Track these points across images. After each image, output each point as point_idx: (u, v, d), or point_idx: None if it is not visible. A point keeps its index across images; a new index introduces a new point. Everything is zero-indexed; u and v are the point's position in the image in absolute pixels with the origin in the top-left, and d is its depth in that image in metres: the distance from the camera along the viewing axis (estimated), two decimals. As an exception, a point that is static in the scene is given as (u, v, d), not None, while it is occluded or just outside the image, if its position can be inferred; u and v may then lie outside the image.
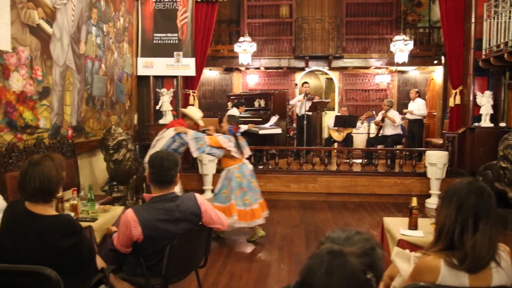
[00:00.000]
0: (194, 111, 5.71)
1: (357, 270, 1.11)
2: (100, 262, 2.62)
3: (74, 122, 5.42)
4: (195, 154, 5.01)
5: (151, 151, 5.37)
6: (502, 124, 7.58)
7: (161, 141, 5.31)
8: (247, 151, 5.16)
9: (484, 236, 1.86)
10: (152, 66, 7.87)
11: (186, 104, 8.22)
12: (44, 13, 4.60)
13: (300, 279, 1.17)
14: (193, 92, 8.25)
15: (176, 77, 8.04)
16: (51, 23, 4.76)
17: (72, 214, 3.13)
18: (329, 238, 1.23)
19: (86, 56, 5.68)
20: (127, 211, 2.64)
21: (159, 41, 7.89)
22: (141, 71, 7.84)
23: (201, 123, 5.68)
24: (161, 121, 7.86)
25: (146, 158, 5.25)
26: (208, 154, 5.04)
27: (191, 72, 7.95)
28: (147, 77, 7.93)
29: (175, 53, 7.89)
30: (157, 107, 7.94)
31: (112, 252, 2.92)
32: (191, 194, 2.86)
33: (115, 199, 5.51)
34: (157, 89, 7.99)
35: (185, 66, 7.92)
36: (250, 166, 5.25)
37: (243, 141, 5.11)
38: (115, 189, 5.69)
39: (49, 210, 2.32)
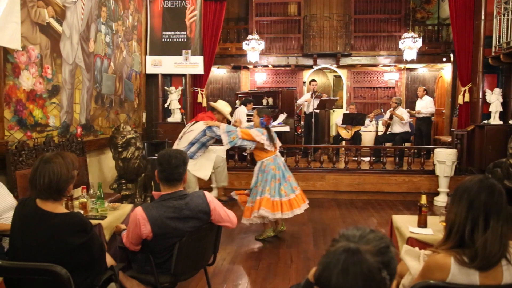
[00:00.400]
0: (223, 105, 5.71)
1: (373, 268, 1.11)
2: (109, 260, 2.63)
3: (83, 120, 5.45)
4: (226, 147, 5.08)
5: (177, 143, 5.43)
6: (512, 122, 7.51)
7: (191, 134, 5.32)
8: (278, 143, 5.14)
9: (495, 233, 1.85)
10: (161, 64, 7.89)
11: (194, 102, 8.24)
12: (54, 11, 4.62)
13: (316, 277, 1.16)
14: (201, 90, 8.26)
15: (184, 75, 8.05)
16: (61, 21, 4.78)
17: (82, 212, 3.15)
18: (343, 236, 1.22)
19: (95, 54, 5.69)
20: (136, 209, 2.65)
21: (168, 39, 7.90)
22: (150, 69, 7.85)
23: (229, 117, 5.69)
24: (169, 119, 7.87)
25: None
26: (239, 146, 5.04)
27: (200, 70, 7.95)
28: (156, 75, 7.95)
29: (183, 51, 7.89)
30: (166, 105, 7.96)
31: (121, 250, 2.93)
32: (201, 192, 2.87)
33: (123, 197, 5.52)
34: (166, 87, 8.01)
35: (193, 64, 7.92)
36: (282, 159, 5.23)
37: (273, 133, 5.09)
38: (124, 187, 5.71)
39: (60, 208, 2.34)
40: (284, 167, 5.08)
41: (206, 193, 2.86)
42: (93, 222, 3.09)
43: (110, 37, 6.18)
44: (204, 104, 8.38)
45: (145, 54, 7.79)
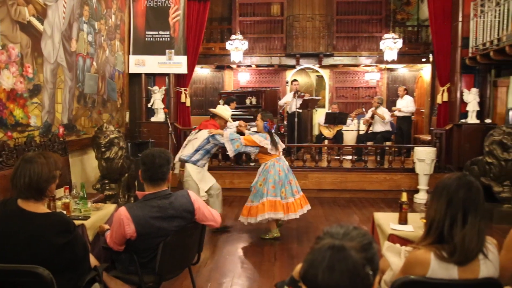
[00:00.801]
0: (224, 110, 5.76)
1: (358, 264, 1.12)
2: (93, 260, 2.61)
3: (65, 120, 5.38)
4: (231, 154, 5.12)
5: (182, 150, 5.44)
6: (488, 121, 7.65)
7: (196, 141, 5.32)
8: (282, 145, 5.23)
9: (473, 229, 1.89)
10: (144, 64, 7.83)
11: (178, 101, 8.20)
12: (35, 9, 4.55)
13: (302, 274, 1.17)
14: (185, 90, 8.23)
15: (168, 75, 8.01)
16: (42, 20, 4.71)
17: (64, 212, 3.11)
18: (327, 233, 1.23)
19: (77, 53, 5.62)
20: (120, 209, 2.63)
21: (151, 39, 7.84)
22: (133, 69, 7.79)
23: (230, 120, 5.71)
24: (153, 119, 7.82)
25: (177, 159, 5.31)
26: (243, 152, 5.12)
27: (183, 70, 7.92)
28: (139, 75, 7.89)
29: (167, 50, 7.84)
30: (149, 105, 7.90)
31: (105, 250, 2.90)
32: (185, 191, 2.85)
33: (107, 197, 5.47)
34: (149, 87, 7.95)
35: (177, 64, 7.88)
36: (286, 162, 5.28)
37: (276, 137, 5.16)
38: (107, 187, 5.66)
39: (41, 208, 2.31)
40: (287, 170, 5.13)
41: (190, 192, 2.85)
42: (76, 222, 3.07)
43: (93, 36, 6.11)
44: (188, 104, 8.35)
45: (128, 54, 7.73)
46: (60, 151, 5.02)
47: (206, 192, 5.43)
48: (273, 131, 5.10)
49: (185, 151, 5.35)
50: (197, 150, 5.26)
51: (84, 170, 6.03)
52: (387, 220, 3.23)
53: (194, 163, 5.24)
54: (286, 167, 5.15)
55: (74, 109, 5.60)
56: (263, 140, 4.95)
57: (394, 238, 2.89)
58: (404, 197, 3.19)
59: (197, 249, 3.05)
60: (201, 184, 5.31)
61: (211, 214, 2.90)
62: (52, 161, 2.35)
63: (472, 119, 7.62)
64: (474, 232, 1.88)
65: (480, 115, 7.72)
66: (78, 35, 5.61)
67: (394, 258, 2.25)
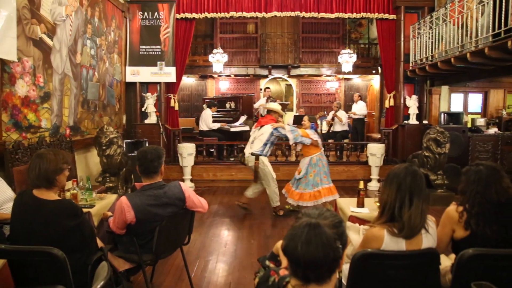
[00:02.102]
0: (277, 106, 5.81)
1: (330, 239, 1.16)
2: (98, 242, 2.59)
3: (71, 122, 5.28)
4: (291, 142, 5.25)
5: (250, 147, 5.47)
6: (425, 122, 7.89)
7: (262, 137, 5.35)
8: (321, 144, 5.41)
9: (417, 209, 1.96)
10: (139, 74, 7.73)
11: (168, 106, 8.13)
12: (45, 28, 4.46)
13: (283, 247, 1.20)
14: (174, 96, 8.16)
15: (159, 83, 7.92)
16: (51, 36, 4.61)
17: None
18: (305, 214, 1.26)
19: (82, 65, 5.53)
20: (121, 198, 2.63)
21: (145, 52, 7.75)
22: (129, 78, 7.68)
23: (283, 113, 5.77)
24: (146, 121, 7.72)
25: (247, 154, 5.41)
26: (300, 142, 5.18)
27: (172, 79, 7.85)
28: (134, 83, 7.78)
29: (158, 62, 7.76)
30: (143, 109, 7.80)
31: (108, 233, 2.90)
32: (177, 182, 2.86)
33: (107, 189, 5.40)
34: (143, 94, 7.85)
35: (167, 73, 7.81)
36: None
37: (320, 135, 5.43)
38: (108, 180, 5.57)
39: (53, 196, 2.30)
40: (327, 164, 5.31)
41: (181, 183, 2.86)
42: (83, 210, 3.04)
43: (95, 50, 6.01)
44: (176, 108, 8.28)
45: (125, 65, 7.61)
46: (67, 149, 4.94)
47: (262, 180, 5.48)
48: (318, 130, 5.40)
49: (255, 147, 5.38)
50: (265, 144, 5.32)
51: (87, 165, 5.94)
52: (347, 205, 3.30)
53: (265, 155, 5.36)
54: (327, 162, 5.35)
55: (79, 113, 5.50)
56: (314, 133, 5.18)
57: (353, 219, 2.95)
58: (361, 185, 3.28)
59: (187, 231, 3.07)
60: (272, 172, 5.45)
61: (199, 201, 2.92)
62: (61, 156, 2.36)
63: (413, 120, 7.83)
64: (418, 212, 1.95)
65: (419, 117, 7.94)
66: (82, 49, 5.51)
67: (354, 236, 2.31)
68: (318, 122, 10.00)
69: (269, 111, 5.64)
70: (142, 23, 7.71)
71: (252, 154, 5.36)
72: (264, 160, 5.34)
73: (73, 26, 5.20)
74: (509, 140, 7.28)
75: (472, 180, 2.16)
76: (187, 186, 2.89)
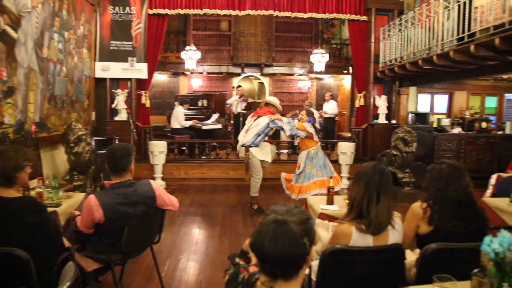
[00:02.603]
0: (275, 99, 5.86)
1: (297, 235, 1.17)
2: (65, 242, 2.53)
3: (37, 118, 5.09)
4: (287, 134, 5.37)
5: (244, 135, 5.48)
6: (394, 121, 8.10)
7: (257, 127, 5.37)
8: (317, 138, 5.46)
9: (384, 206, 2.01)
10: (109, 70, 7.55)
11: (138, 103, 7.98)
12: (9, 19, 4.27)
13: (251, 244, 1.21)
14: (145, 93, 8.02)
15: (130, 79, 7.76)
16: (16, 28, 4.43)
17: (39, 200, 2.98)
18: (273, 211, 1.27)
19: (48, 59, 5.34)
20: (89, 196, 2.57)
21: (115, 48, 7.57)
22: (99, 74, 7.49)
23: (280, 108, 5.81)
24: (116, 118, 7.55)
25: (240, 144, 5.48)
26: (294, 134, 5.26)
27: (144, 75, 7.72)
28: (104, 79, 7.59)
29: (129, 58, 7.61)
30: (113, 106, 7.63)
31: (75, 233, 2.82)
32: (147, 180, 2.82)
33: (75, 187, 5.26)
34: (113, 90, 7.68)
35: (138, 70, 7.67)
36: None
37: (317, 130, 5.54)
38: (76, 178, 5.44)
39: (13, 193, 2.21)
40: (323, 158, 5.39)
41: (151, 181, 2.83)
42: (50, 209, 2.95)
43: (63, 44, 5.83)
44: (147, 105, 8.14)
45: (95, 60, 7.42)
46: (32, 147, 4.78)
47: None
48: (315, 124, 5.53)
49: (248, 137, 5.40)
50: (258, 135, 5.36)
51: (54, 163, 5.75)
52: (317, 202, 3.33)
53: (257, 145, 5.39)
54: (323, 156, 5.43)
55: (45, 109, 5.32)
56: (310, 127, 5.26)
57: (323, 216, 2.99)
58: (331, 183, 3.34)
59: (158, 230, 3.03)
60: (265, 158, 5.53)
61: (170, 200, 2.89)
62: (21, 153, 2.28)
63: (382, 120, 8.02)
64: (385, 208, 2.00)
65: (388, 117, 8.14)
66: (49, 43, 5.33)
67: (323, 232, 2.35)
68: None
69: (268, 104, 5.70)
70: (113, 18, 7.53)
71: (242, 145, 5.42)
72: (254, 151, 5.41)
73: (39, 18, 5.01)
74: (471, 139, 7.60)
75: (434, 178, 2.25)
76: (158, 184, 2.86)
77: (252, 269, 1.33)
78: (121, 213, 2.58)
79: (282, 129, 5.31)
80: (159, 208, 2.86)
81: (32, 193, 3.19)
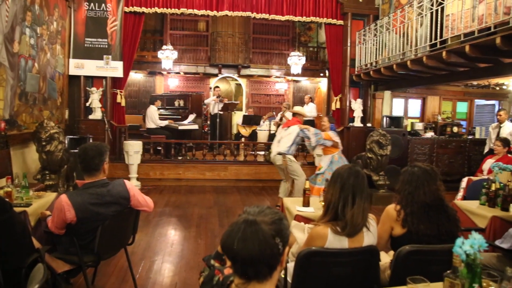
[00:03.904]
0: (302, 109, 6.02)
1: (267, 236, 1.16)
2: (35, 243, 2.44)
3: (7, 115, 4.91)
4: (313, 144, 5.40)
5: (277, 145, 5.58)
6: (369, 124, 8.23)
7: (289, 136, 5.48)
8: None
9: (359, 208, 2.03)
10: (83, 67, 7.37)
11: (114, 102, 7.82)
12: (-23, 13, 4.11)
13: (221, 244, 1.20)
14: (120, 92, 7.87)
15: (105, 77, 7.59)
16: (-16, 23, 4.27)
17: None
18: (245, 211, 1.27)
19: (19, 55, 5.16)
20: (61, 196, 2.49)
21: (90, 45, 7.40)
22: (73, 71, 7.29)
23: (308, 116, 5.97)
24: (90, 117, 7.38)
25: (274, 153, 5.59)
26: (322, 144, 5.38)
27: (119, 74, 7.57)
28: (78, 76, 7.40)
29: (104, 56, 7.45)
30: (87, 104, 7.45)
31: (46, 234, 2.73)
32: (121, 180, 2.76)
33: (47, 187, 5.11)
34: (87, 88, 7.50)
35: (113, 68, 7.52)
36: None
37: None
38: (47, 178, 5.29)
39: None
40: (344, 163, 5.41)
41: (125, 181, 2.77)
42: (19, 209, 2.86)
43: (35, 39, 5.64)
44: (123, 104, 7.98)
45: (69, 57, 7.22)
46: (2, 144, 4.60)
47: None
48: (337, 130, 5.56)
49: (281, 146, 5.51)
50: (292, 144, 5.47)
51: (25, 162, 5.56)
52: (293, 204, 3.34)
53: (291, 153, 5.54)
54: (344, 159, 5.62)
55: (15, 106, 5.13)
56: (335, 136, 5.45)
57: (299, 218, 2.99)
58: (307, 184, 3.35)
59: (132, 231, 2.98)
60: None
61: (145, 200, 2.84)
62: None
63: (357, 123, 8.14)
64: (360, 210, 2.03)
65: (363, 120, 8.27)
66: (20, 38, 5.15)
67: (299, 234, 2.36)
68: (267, 122, 10.18)
69: (295, 114, 5.83)
70: (88, 14, 7.35)
71: (279, 153, 5.50)
72: (291, 158, 5.53)
73: (9, 12, 4.83)
74: (443, 143, 7.82)
75: (406, 181, 2.30)
76: (132, 185, 2.80)
77: (227, 271, 1.32)
78: (93, 213, 2.52)
79: (309, 138, 5.42)
80: (133, 209, 2.81)
81: (1, 192, 3.07)
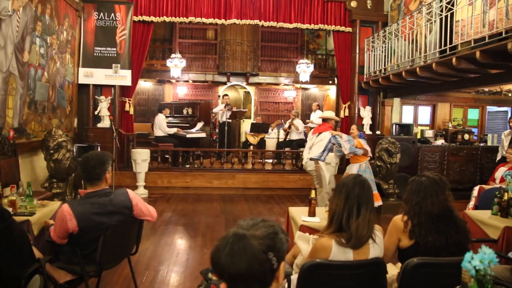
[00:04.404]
0: (331, 113, 5.93)
1: (257, 251, 1.10)
2: (37, 253, 2.42)
3: (16, 124, 4.96)
4: (346, 152, 5.37)
5: (309, 152, 5.53)
6: (378, 132, 8.14)
7: (321, 143, 5.42)
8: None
9: (365, 219, 1.96)
10: (92, 76, 7.43)
11: (122, 110, 7.86)
12: (-13, 23, 4.17)
13: (210, 258, 1.15)
14: (129, 100, 7.92)
15: (114, 86, 7.65)
16: (-6, 32, 4.32)
17: (10, 209, 2.87)
18: (238, 224, 1.21)
19: (29, 64, 5.22)
20: (63, 206, 2.47)
21: (99, 54, 7.47)
22: (82, 80, 7.36)
23: (337, 118, 5.92)
24: (99, 125, 7.43)
25: (306, 160, 5.57)
26: (353, 152, 5.36)
27: (128, 82, 7.62)
28: (87, 85, 7.47)
29: (113, 65, 7.50)
30: (96, 112, 7.51)
31: (49, 243, 2.71)
32: (124, 189, 2.73)
33: (54, 195, 5.13)
34: (96, 96, 7.56)
35: (122, 76, 7.56)
36: None
37: None
38: (55, 186, 5.30)
39: None
40: (371, 173, 5.60)
41: (129, 190, 2.73)
42: (22, 218, 2.85)
43: (45, 49, 5.71)
44: (131, 112, 8.02)
45: (78, 66, 7.30)
46: (10, 153, 4.63)
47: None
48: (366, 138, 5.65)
49: (313, 152, 5.46)
50: (324, 150, 5.40)
51: (33, 170, 5.60)
52: (299, 213, 3.27)
53: (323, 160, 5.45)
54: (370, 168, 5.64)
55: (24, 114, 5.18)
56: (366, 144, 5.45)
57: (304, 228, 2.94)
58: (313, 194, 3.28)
59: (135, 241, 2.94)
60: (327, 177, 5.49)
61: (148, 210, 2.80)
62: None
63: (366, 130, 8.04)
64: (365, 222, 1.96)
65: (372, 127, 8.19)
66: (30, 47, 5.21)
67: (304, 245, 2.30)
68: (275, 130, 10.14)
69: (325, 119, 5.77)
70: (97, 24, 7.43)
71: (311, 159, 5.46)
72: (323, 164, 5.47)
73: (20, 22, 4.91)
74: (454, 151, 7.68)
75: (413, 191, 2.22)
76: (135, 194, 2.76)
77: (223, 285, 1.27)
78: (95, 223, 2.49)
79: (340, 145, 5.37)
80: (136, 218, 2.77)
81: (5, 201, 3.07)
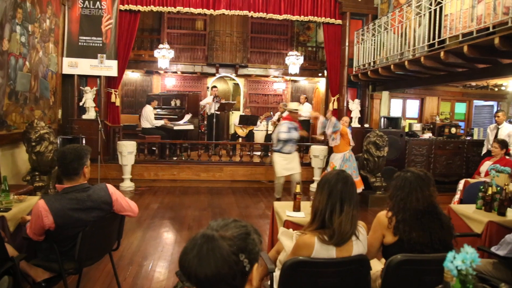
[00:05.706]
0: (294, 106, 6.04)
1: (226, 253, 1.06)
2: (11, 251, 2.34)
3: (-5, 115, 4.82)
4: (328, 133, 5.91)
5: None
6: (366, 125, 8.14)
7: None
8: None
9: (348, 215, 1.93)
10: (77, 66, 7.27)
11: (108, 101, 7.72)
12: (-37, 10, 4.01)
13: (178, 260, 1.10)
14: (115, 91, 7.77)
15: (99, 76, 7.50)
16: (-29, 20, 4.16)
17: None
18: (209, 225, 1.16)
19: (9, 53, 5.05)
20: (38, 202, 2.38)
21: (84, 43, 7.30)
22: (66, 70, 7.20)
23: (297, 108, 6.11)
24: (84, 116, 7.29)
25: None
26: (333, 132, 5.85)
27: (114, 73, 7.48)
28: (72, 75, 7.31)
29: (99, 55, 7.35)
30: (81, 104, 7.36)
31: (25, 240, 2.62)
32: (103, 184, 2.65)
33: (36, 188, 5.02)
34: (81, 87, 7.41)
35: (108, 67, 7.42)
36: None
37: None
38: (37, 179, 5.19)
39: None
40: (354, 160, 6.14)
41: (108, 185, 2.65)
42: (-3, 214, 2.75)
43: (26, 37, 5.54)
44: (118, 104, 7.89)
45: (62, 56, 7.12)
46: (-11, 145, 4.51)
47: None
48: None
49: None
50: (279, 140, 5.73)
51: (14, 163, 5.46)
52: (283, 208, 3.21)
53: (277, 150, 5.85)
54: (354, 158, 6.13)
55: (5, 105, 5.03)
56: (350, 132, 6.04)
57: (288, 224, 2.89)
58: (298, 188, 3.22)
59: (116, 237, 2.87)
60: (279, 167, 5.84)
61: (128, 205, 2.72)
62: None
63: (355, 123, 8.04)
64: (348, 218, 1.93)
65: (361, 120, 8.18)
66: (10, 35, 5.04)
67: (287, 242, 2.26)
68: (264, 122, 10.09)
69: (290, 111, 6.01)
70: (82, 12, 7.26)
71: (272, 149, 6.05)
72: (275, 155, 5.84)
73: (-1, 10, 4.74)
74: (441, 144, 7.72)
75: (398, 186, 2.19)
76: (115, 189, 2.68)
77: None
78: (73, 219, 2.41)
79: (326, 126, 5.87)
80: (117, 214, 2.70)
81: (-21, 197, 2.96)
